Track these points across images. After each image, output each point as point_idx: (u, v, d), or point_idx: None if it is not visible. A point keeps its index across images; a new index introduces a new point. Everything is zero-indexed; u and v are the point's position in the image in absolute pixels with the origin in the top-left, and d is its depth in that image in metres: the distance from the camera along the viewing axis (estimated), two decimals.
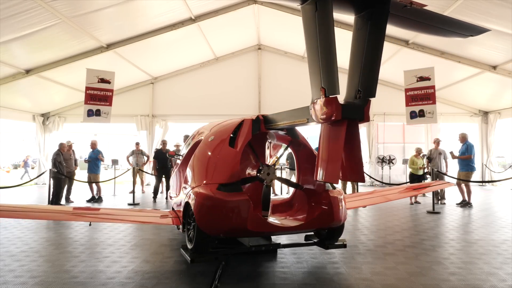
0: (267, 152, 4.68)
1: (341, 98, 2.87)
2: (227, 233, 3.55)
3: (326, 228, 4.01)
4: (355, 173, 2.88)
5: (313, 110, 2.86)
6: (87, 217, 4.67)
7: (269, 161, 4.72)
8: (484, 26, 8.57)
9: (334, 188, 3.94)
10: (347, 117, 2.73)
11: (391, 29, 10.93)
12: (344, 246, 4.16)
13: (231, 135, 3.85)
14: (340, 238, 4.18)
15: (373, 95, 2.74)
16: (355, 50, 2.77)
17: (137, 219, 4.95)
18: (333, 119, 2.68)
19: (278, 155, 4.89)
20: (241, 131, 3.79)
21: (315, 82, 2.75)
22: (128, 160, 12.31)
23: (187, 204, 3.90)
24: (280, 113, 3.60)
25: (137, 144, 12.55)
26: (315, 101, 2.81)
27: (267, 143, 4.58)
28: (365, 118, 2.81)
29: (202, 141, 4.30)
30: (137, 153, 12.28)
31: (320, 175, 2.80)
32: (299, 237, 4.90)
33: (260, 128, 3.81)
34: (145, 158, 12.56)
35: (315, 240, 4.21)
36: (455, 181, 9.23)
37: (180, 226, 4.27)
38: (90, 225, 5.26)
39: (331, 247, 4.12)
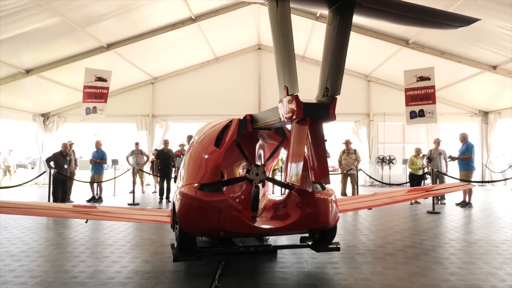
0: (258, 152, 4.60)
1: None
2: (207, 233, 3.56)
3: (313, 231, 3.87)
4: (320, 175, 2.82)
5: (280, 109, 2.82)
6: (85, 214, 4.70)
7: (260, 161, 4.66)
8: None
9: (323, 188, 3.77)
10: (310, 116, 2.64)
11: (391, 29, 10.97)
12: (337, 249, 4.00)
13: (218, 135, 3.81)
14: (334, 241, 4.05)
15: (338, 93, 2.65)
16: (325, 46, 2.69)
17: (136, 217, 4.96)
18: (294, 118, 2.62)
19: (270, 155, 4.72)
20: (227, 131, 3.75)
21: (280, 80, 2.69)
22: (128, 160, 12.31)
23: (173, 203, 3.94)
24: (262, 112, 3.57)
25: (137, 144, 12.55)
26: (282, 99, 2.77)
27: (258, 143, 4.52)
28: (330, 117, 2.67)
29: (195, 141, 4.31)
30: (137, 153, 12.27)
31: (288, 176, 2.79)
32: (297, 239, 4.89)
33: (247, 128, 3.76)
34: (145, 158, 12.56)
35: (309, 243, 4.11)
36: (456, 181, 9.23)
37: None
38: (86, 222, 5.22)
39: (322, 249, 3.98)
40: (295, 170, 2.72)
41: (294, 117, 2.60)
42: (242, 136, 3.85)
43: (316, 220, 3.58)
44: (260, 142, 4.42)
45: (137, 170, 11.65)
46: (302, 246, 4.20)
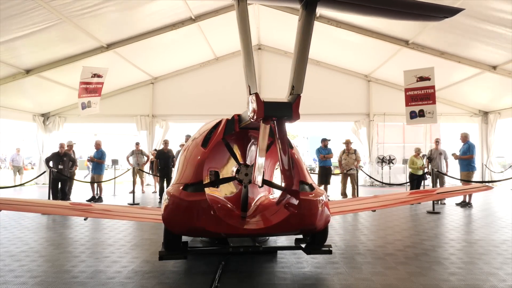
0: (249, 152, 4.56)
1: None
2: (188, 232, 3.57)
3: (298, 232, 3.79)
4: (285, 176, 2.79)
5: (249, 108, 2.79)
6: (85, 212, 4.72)
7: (251, 161, 4.58)
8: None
9: (312, 189, 3.61)
10: (271, 115, 2.59)
11: (391, 29, 10.97)
12: (329, 252, 3.86)
13: (206, 135, 3.79)
14: (326, 244, 3.94)
15: (300, 91, 2.56)
16: (295, 43, 2.62)
17: (135, 215, 4.97)
18: (256, 118, 2.59)
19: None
20: (215, 131, 3.73)
21: (245, 79, 2.67)
22: (128, 160, 12.31)
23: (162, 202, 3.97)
24: (245, 111, 3.55)
25: (137, 144, 12.56)
26: (248, 99, 2.75)
27: (250, 143, 4.51)
28: (293, 116, 2.56)
29: (188, 142, 4.32)
30: (137, 153, 12.28)
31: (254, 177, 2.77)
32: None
33: (234, 128, 3.71)
34: (145, 158, 12.56)
35: (302, 245, 4.02)
36: (457, 181, 9.23)
37: None
38: (85, 219, 5.21)
39: (313, 252, 3.90)
40: (259, 170, 2.69)
41: (255, 116, 2.56)
42: (234, 136, 3.82)
43: (299, 222, 3.45)
44: (252, 142, 4.39)
45: (137, 170, 11.65)
46: (294, 248, 4.17)
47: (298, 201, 3.40)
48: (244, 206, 4.01)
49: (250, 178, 3.83)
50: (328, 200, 4.00)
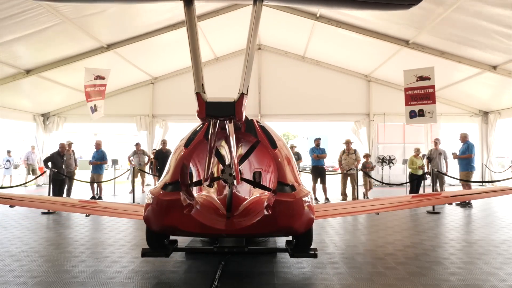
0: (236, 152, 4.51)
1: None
2: (164, 231, 3.61)
3: (276, 234, 3.75)
4: (236, 174, 2.79)
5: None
6: (86, 209, 4.78)
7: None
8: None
9: (293, 190, 3.47)
10: (213, 115, 2.56)
11: (391, 29, 10.97)
12: (313, 256, 3.71)
13: (190, 136, 3.78)
14: (312, 247, 3.81)
15: (244, 90, 2.51)
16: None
17: (134, 213, 4.99)
18: (199, 117, 2.58)
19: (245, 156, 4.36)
20: (199, 132, 3.73)
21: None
22: (130, 161, 12.32)
23: None
24: None
25: (138, 144, 12.56)
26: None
27: (239, 143, 4.46)
28: (236, 115, 2.48)
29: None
30: (139, 153, 12.29)
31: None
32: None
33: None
34: (147, 158, 12.57)
35: (289, 248, 3.94)
36: (457, 181, 9.23)
37: None
38: (87, 216, 5.28)
39: (296, 255, 3.77)
40: (205, 170, 2.72)
41: (198, 115, 2.55)
42: (220, 136, 3.81)
43: (273, 224, 3.36)
44: (240, 142, 4.38)
45: (138, 170, 11.66)
46: (279, 250, 4.18)
47: (274, 202, 3.35)
48: (229, 206, 4.02)
49: (234, 178, 3.77)
50: (316, 202, 3.94)
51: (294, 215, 3.42)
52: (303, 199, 3.49)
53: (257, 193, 4.63)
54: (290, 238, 4.07)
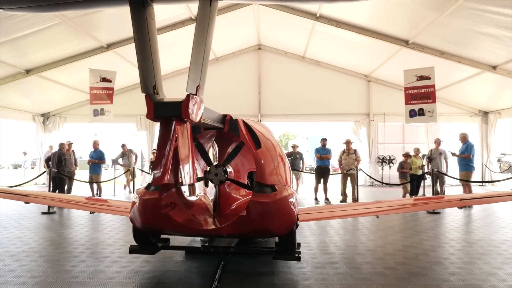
0: (223, 153, 4.48)
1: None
2: (146, 229, 3.63)
3: (252, 236, 3.70)
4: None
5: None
6: (89, 207, 4.86)
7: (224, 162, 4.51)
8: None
9: (273, 190, 3.40)
10: (162, 115, 2.56)
11: (391, 29, 10.97)
12: (296, 259, 3.52)
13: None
14: (297, 250, 3.65)
15: (192, 90, 2.52)
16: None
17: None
18: (148, 117, 2.58)
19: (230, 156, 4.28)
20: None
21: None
22: (118, 163, 12.27)
23: None
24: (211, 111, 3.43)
25: (124, 145, 12.42)
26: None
27: (227, 144, 4.42)
28: (182, 115, 2.49)
29: None
30: (127, 153, 12.21)
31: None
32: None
33: (201, 129, 3.72)
34: (134, 156, 12.43)
35: (273, 248, 3.87)
36: (457, 181, 9.22)
37: None
38: (91, 213, 5.41)
39: (278, 257, 3.66)
40: (159, 169, 2.71)
41: (148, 116, 2.55)
42: (208, 136, 3.79)
43: (248, 224, 3.31)
44: (231, 143, 4.37)
45: (131, 170, 11.65)
46: (263, 252, 4.21)
47: (249, 202, 3.34)
48: (215, 207, 4.02)
49: (220, 178, 3.77)
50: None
51: (271, 217, 3.36)
52: (283, 200, 3.42)
53: (249, 194, 4.61)
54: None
